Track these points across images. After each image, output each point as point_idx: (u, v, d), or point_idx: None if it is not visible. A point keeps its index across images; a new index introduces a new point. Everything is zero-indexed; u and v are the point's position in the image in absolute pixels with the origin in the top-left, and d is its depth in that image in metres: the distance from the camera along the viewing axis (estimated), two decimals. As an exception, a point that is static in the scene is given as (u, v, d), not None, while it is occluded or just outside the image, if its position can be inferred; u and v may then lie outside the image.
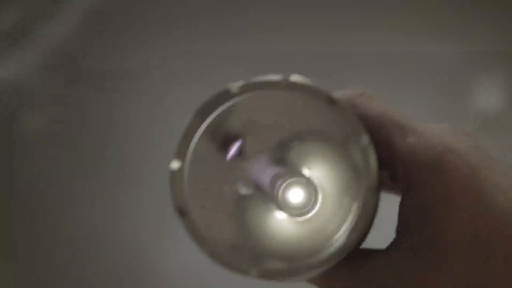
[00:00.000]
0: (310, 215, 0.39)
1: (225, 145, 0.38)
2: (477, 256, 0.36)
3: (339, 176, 0.38)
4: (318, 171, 0.39)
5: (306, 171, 0.39)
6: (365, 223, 0.35)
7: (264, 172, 0.39)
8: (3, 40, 1.22)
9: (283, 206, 0.38)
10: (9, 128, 1.20)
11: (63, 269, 1.14)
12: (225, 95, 0.37)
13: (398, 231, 0.38)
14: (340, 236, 0.36)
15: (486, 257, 0.36)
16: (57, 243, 1.15)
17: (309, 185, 0.38)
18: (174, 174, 0.36)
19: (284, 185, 0.38)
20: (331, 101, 0.36)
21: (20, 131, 1.19)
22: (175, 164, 0.36)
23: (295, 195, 0.39)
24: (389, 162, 0.38)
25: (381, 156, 0.38)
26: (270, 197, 0.39)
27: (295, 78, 0.36)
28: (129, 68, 1.21)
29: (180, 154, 0.36)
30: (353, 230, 0.35)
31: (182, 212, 0.35)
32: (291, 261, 0.37)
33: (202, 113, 0.37)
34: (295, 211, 0.39)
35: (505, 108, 1.15)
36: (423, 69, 1.18)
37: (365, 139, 0.35)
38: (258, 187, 0.39)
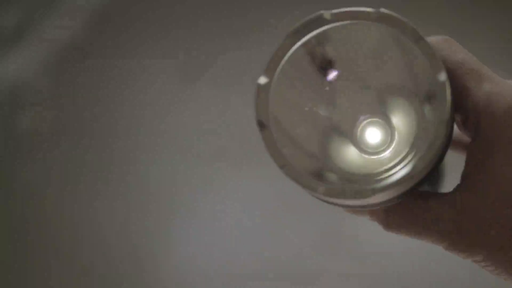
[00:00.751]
0: (381, 155, 0.40)
1: (318, 69, 0.39)
2: None
3: (415, 126, 0.39)
4: (398, 117, 0.40)
5: (387, 114, 0.40)
6: (433, 155, 0.36)
7: (348, 106, 0.40)
8: (3, 40, 1.22)
9: (359, 142, 0.40)
10: (9, 128, 1.19)
11: (63, 269, 1.14)
12: (318, 21, 0.38)
13: (464, 175, 0.39)
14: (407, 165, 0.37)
15: None
16: (57, 243, 1.15)
17: (387, 129, 0.39)
18: (260, 89, 0.37)
19: (364, 123, 0.40)
20: (417, 36, 0.37)
21: (20, 131, 1.19)
22: (262, 80, 0.37)
23: (373, 135, 0.40)
24: (463, 106, 0.38)
25: (456, 100, 0.39)
26: (348, 131, 0.40)
27: (385, 10, 0.37)
28: (130, 68, 1.21)
29: (269, 71, 0.38)
30: (420, 159, 0.36)
31: (261, 125, 0.37)
32: (357, 185, 0.38)
33: (294, 34, 0.38)
34: (369, 150, 0.40)
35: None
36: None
37: (443, 75, 0.36)
38: (338, 116, 0.40)
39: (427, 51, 0.37)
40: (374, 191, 0.36)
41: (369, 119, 0.40)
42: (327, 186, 0.36)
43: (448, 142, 0.39)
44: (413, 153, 0.38)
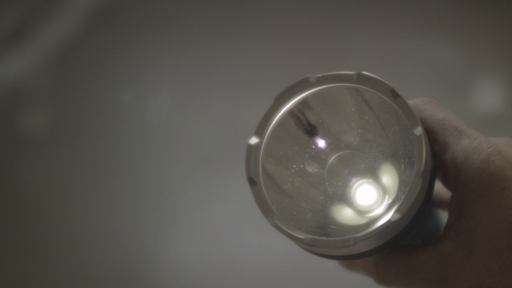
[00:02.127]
0: (373, 214, 0.42)
1: (304, 133, 0.42)
2: (509, 255, 0.39)
3: (400, 184, 0.41)
4: (387, 176, 0.42)
5: (377, 174, 0.42)
6: (410, 205, 0.37)
7: (338, 169, 0.42)
8: (3, 40, 1.23)
9: (353, 203, 0.42)
10: (9, 128, 1.20)
11: (62, 269, 1.14)
12: (304, 84, 0.40)
13: (447, 226, 0.41)
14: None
15: None
16: (56, 243, 1.15)
17: (379, 188, 0.42)
18: (251, 149, 0.41)
19: (356, 184, 0.42)
20: (395, 94, 0.39)
21: (20, 131, 1.19)
22: (253, 140, 0.41)
23: (365, 196, 0.42)
24: (444, 160, 0.41)
25: (438, 155, 0.41)
26: (342, 194, 0.42)
27: (365, 73, 0.40)
28: (130, 69, 1.21)
29: (259, 132, 0.41)
30: (397, 209, 0.37)
31: (252, 182, 0.40)
32: (341, 236, 0.39)
33: (282, 97, 0.41)
34: (363, 210, 0.42)
35: (505, 108, 1.16)
36: (424, 70, 1.18)
37: (419, 130, 0.38)
38: (330, 179, 0.42)
39: (404, 108, 0.39)
40: (356, 240, 0.37)
41: (361, 181, 0.42)
42: (312, 237, 0.38)
43: (428, 194, 0.40)
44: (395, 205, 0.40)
